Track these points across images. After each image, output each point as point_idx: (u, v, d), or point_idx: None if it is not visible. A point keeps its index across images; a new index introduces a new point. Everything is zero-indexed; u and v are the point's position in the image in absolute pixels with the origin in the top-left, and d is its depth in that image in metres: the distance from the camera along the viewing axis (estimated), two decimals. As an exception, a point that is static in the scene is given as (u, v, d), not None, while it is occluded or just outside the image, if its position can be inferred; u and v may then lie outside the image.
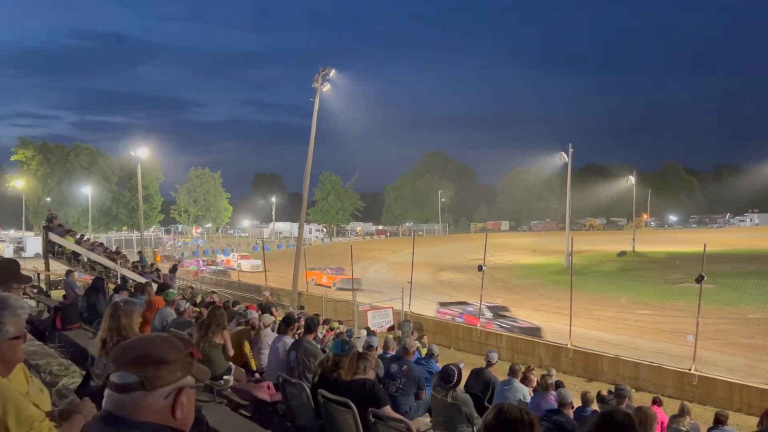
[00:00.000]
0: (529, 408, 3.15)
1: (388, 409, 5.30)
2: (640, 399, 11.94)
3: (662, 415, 10.05)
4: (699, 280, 17.52)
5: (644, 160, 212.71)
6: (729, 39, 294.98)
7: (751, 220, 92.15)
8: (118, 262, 23.81)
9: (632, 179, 72.06)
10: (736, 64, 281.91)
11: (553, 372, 11.52)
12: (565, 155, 53.51)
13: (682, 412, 9.70)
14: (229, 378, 6.49)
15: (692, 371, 16.28)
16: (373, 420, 4.81)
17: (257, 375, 7.61)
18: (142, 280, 19.10)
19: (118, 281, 19.14)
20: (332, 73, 29.47)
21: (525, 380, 8.79)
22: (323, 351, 7.37)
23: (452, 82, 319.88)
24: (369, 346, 9.24)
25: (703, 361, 16.88)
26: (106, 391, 1.68)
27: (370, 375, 5.27)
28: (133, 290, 12.12)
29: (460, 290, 36.40)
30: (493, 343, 20.24)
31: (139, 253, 34.79)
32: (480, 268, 23.20)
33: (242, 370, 7.15)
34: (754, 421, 13.75)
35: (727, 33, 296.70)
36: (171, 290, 9.06)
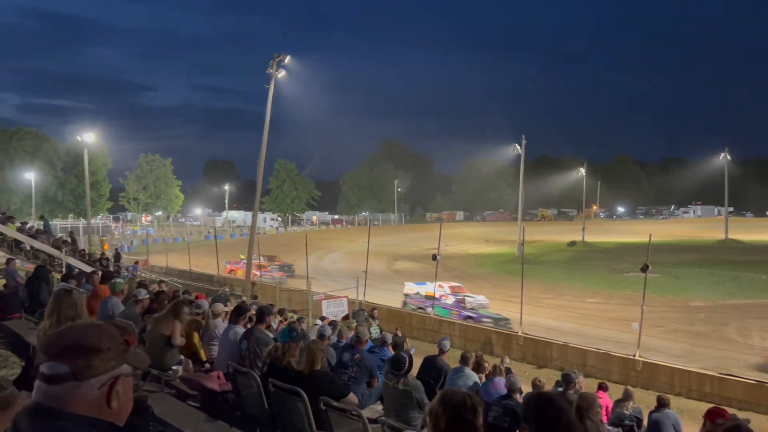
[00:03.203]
0: (474, 394, 3.18)
1: (351, 397, 5.30)
2: (587, 385, 12.27)
3: (607, 399, 10.36)
4: (644, 269, 18.15)
5: (595, 152, 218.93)
6: (677, 35, 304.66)
7: (693, 212, 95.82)
8: (63, 250, 23.01)
9: (583, 171, 73.86)
10: (685, 60, 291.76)
11: (507, 359, 11.75)
12: (518, 147, 54.40)
13: (626, 397, 10.02)
14: (178, 368, 6.37)
15: (637, 357, 16.87)
16: (324, 408, 4.79)
17: (207, 365, 7.49)
18: (88, 268, 18.53)
19: (63, 270, 18.51)
20: (287, 59, 29.07)
21: (478, 367, 8.91)
22: (275, 340, 7.29)
23: (409, 73, 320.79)
24: (321, 336, 9.20)
25: (647, 348, 17.50)
26: (36, 383, 1.59)
27: (317, 366, 5.27)
28: (78, 279, 11.72)
29: (414, 279, 36.65)
30: (447, 331, 20.49)
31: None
32: (434, 257, 23.39)
33: (189, 360, 7.01)
34: (694, 404, 14.40)
35: (675, 30, 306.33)
36: (118, 280, 8.77)
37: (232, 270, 35.98)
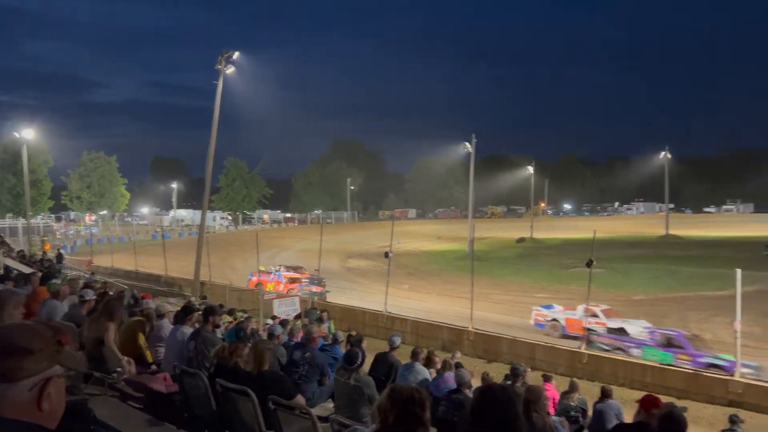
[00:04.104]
0: (421, 389, 3.22)
1: (300, 399, 5.27)
2: (535, 378, 12.55)
3: (553, 391, 10.64)
4: (589, 264, 18.71)
5: (543, 150, 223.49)
6: (622, 37, 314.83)
7: (636, 209, 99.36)
8: (0, 251, 22.04)
9: (531, 169, 75.50)
10: (630, 62, 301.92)
11: (458, 354, 11.91)
12: (468, 145, 55.10)
13: (572, 389, 10.32)
14: (122, 370, 6.19)
15: (582, 350, 17.39)
16: (273, 407, 4.75)
17: (154, 367, 7.31)
18: (27, 270, 17.79)
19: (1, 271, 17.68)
20: (236, 55, 28.61)
21: (428, 363, 9.00)
22: (223, 341, 7.19)
23: (363, 71, 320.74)
24: (271, 335, 9.11)
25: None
26: (-37, 386, 1.53)
27: (265, 366, 5.24)
28: (17, 281, 11.25)
29: (367, 277, 36.74)
30: (399, 328, 20.61)
31: None
32: (387, 255, 23.49)
33: (132, 361, 6.83)
34: (637, 394, 14.91)
35: (621, 31, 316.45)
36: (54, 281, 8.45)
37: (260, 283, 29.13)
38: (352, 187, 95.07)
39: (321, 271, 28.73)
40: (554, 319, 22.44)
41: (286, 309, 19.23)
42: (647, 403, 5.14)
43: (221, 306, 14.70)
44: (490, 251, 53.66)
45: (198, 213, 32.79)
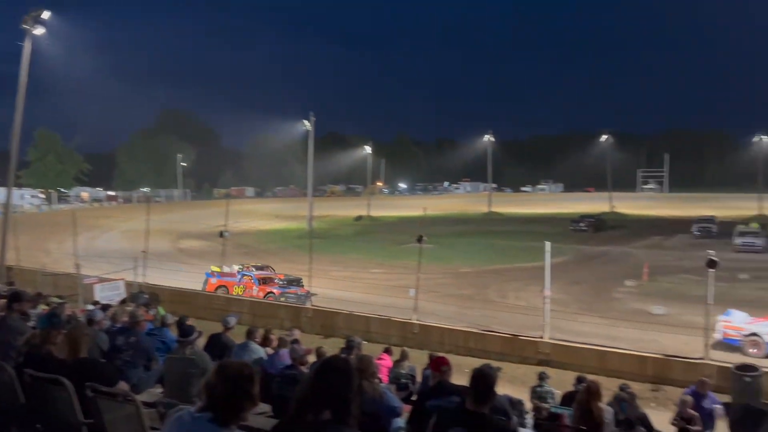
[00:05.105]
0: (250, 364, 3.21)
1: (122, 386, 4.98)
2: (372, 349, 13.02)
3: (388, 361, 11.17)
4: (419, 240, 19.79)
5: (380, 130, 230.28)
6: (452, 23, 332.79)
7: (463, 188, 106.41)
8: None
9: (368, 149, 77.49)
10: (459, 47, 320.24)
11: (296, 332, 11.94)
12: (307, 123, 55.05)
13: (402, 357, 10.92)
14: None
15: (413, 321, 18.37)
16: (92, 395, 4.42)
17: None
18: None
19: None
20: (46, 14, 25.57)
21: (266, 341, 8.94)
22: (34, 328, 6.52)
23: (193, 38, 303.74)
24: (90, 320, 8.44)
25: (423, 312, 19.09)
26: None
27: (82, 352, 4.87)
28: None
29: (202, 258, 35.37)
30: (236, 309, 20.16)
31: None
32: (222, 234, 22.78)
33: None
34: (461, 359, 16.06)
35: (451, 17, 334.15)
36: None
37: (224, 286, 24.52)
38: (184, 164, 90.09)
39: (150, 253, 27.03)
40: (754, 334, 17.25)
41: (109, 294, 17.94)
42: (436, 364, 5.57)
43: (41, 294, 13.33)
44: (330, 229, 54.45)
45: (2, 190, 28.88)
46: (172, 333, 8.57)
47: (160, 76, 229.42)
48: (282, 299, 22.31)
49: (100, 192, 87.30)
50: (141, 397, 5.25)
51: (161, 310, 14.91)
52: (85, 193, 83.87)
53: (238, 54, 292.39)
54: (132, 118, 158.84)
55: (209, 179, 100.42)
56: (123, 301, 16.88)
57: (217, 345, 8.52)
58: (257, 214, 61.86)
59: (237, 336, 9.22)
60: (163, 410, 4.27)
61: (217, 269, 25.63)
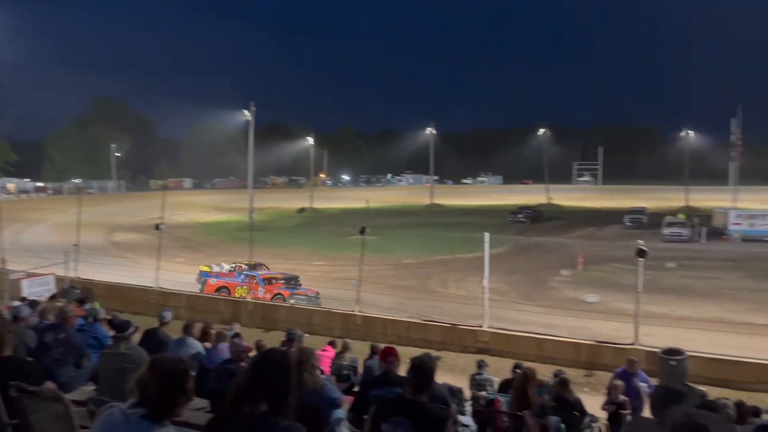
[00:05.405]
0: (184, 358, 3.16)
1: (48, 385, 4.77)
2: (315, 342, 12.96)
3: (331, 353, 11.17)
4: (362, 232, 19.79)
5: (323, 122, 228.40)
6: (404, 16, 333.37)
7: (406, 180, 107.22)
8: None
9: (311, 140, 76.85)
10: (405, 40, 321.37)
11: (236, 326, 11.75)
12: (247, 113, 54.06)
13: (344, 349, 10.94)
14: None
15: (356, 312, 18.40)
16: (17, 395, 4.22)
17: None
18: None
19: None
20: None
21: (205, 336, 8.76)
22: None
23: (130, 26, 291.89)
24: (15, 317, 8.04)
25: (365, 303, 19.15)
26: None
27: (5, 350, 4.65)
28: None
29: (137, 251, 34.31)
30: (173, 303, 19.64)
31: None
32: (157, 227, 22.09)
33: None
34: (403, 349, 16.22)
35: (402, 9, 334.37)
36: None
37: (225, 287, 23.16)
38: (118, 154, 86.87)
39: (82, 247, 25.97)
40: None
41: (38, 289, 17.15)
42: (383, 354, 5.64)
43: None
44: (271, 221, 53.80)
45: None
46: (105, 329, 8.28)
47: (93, 64, 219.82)
48: (291, 301, 21.20)
49: (27, 183, 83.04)
50: (72, 396, 5.06)
51: (96, 305, 14.38)
52: (11, 184, 79.54)
53: (177, 42, 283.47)
54: (63, 106, 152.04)
55: (145, 170, 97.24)
56: (53, 297, 16.20)
57: (152, 340, 8.28)
58: (196, 206, 60.47)
59: (175, 332, 9.00)
60: (93, 408, 4.12)
61: (206, 268, 24.63)
